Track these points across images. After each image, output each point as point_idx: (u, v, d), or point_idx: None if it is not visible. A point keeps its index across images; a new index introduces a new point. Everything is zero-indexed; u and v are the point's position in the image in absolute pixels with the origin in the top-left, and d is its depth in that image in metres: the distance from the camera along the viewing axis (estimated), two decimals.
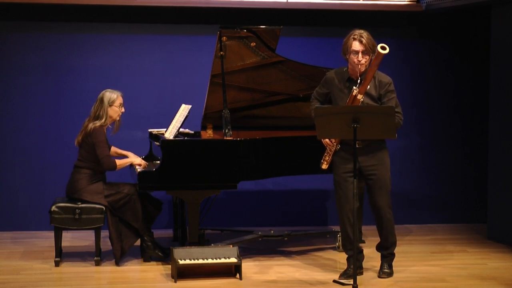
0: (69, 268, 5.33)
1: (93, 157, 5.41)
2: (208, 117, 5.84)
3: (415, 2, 6.77)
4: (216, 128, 5.82)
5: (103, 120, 5.41)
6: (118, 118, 5.53)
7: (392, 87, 4.98)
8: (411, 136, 7.03)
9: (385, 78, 4.99)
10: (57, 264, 5.37)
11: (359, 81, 4.83)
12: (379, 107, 4.79)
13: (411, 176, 7.06)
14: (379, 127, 4.61)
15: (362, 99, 4.82)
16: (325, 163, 5.03)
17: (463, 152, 7.16)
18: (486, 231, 6.50)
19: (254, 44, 5.59)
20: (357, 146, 4.84)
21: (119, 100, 5.49)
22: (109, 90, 5.50)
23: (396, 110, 4.86)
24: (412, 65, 7.05)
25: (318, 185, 6.89)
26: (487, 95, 6.53)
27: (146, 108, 6.69)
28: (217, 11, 6.61)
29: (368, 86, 4.85)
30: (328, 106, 5.03)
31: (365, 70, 4.88)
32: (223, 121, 5.37)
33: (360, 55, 4.87)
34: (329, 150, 5.01)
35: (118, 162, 5.45)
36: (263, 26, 5.55)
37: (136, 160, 5.58)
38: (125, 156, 5.70)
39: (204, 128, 5.93)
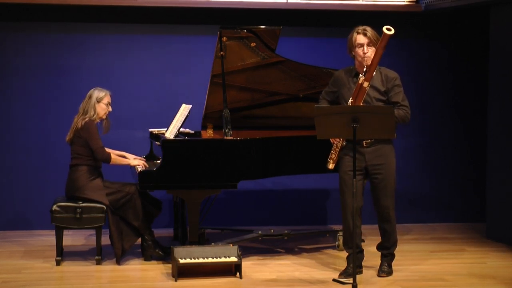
0: (70, 267, 5.35)
1: (88, 152, 5.43)
2: (208, 117, 5.85)
3: (414, 2, 6.79)
4: (216, 128, 5.83)
5: (91, 114, 5.44)
6: (105, 117, 5.54)
7: (398, 82, 5.00)
8: (411, 135, 7.04)
9: (392, 73, 5.02)
10: (58, 263, 5.38)
11: (365, 69, 4.84)
12: (379, 107, 4.80)
13: (410, 176, 7.06)
14: (379, 127, 4.63)
15: (368, 87, 4.82)
16: (332, 162, 5.00)
17: (463, 151, 7.17)
18: (485, 230, 6.52)
19: (254, 44, 5.60)
20: (364, 144, 4.87)
21: (107, 98, 5.51)
22: (98, 88, 5.54)
23: (402, 103, 4.95)
24: (412, 65, 7.07)
25: (318, 185, 6.90)
26: (486, 95, 6.55)
27: (146, 108, 6.71)
28: (217, 11, 6.63)
29: (374, 73, 4.86)
30: (328, 106, 5.04)
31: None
32: (223, 121, 5.38)
33: (365, 47, 4.90)
34: (336, 147, 5.00)
35: (114, 157, 5.48)
36: (263, 26, 5.57)
37: (133, 162, 5.58)
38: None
39: (204, 128, 5.94)
